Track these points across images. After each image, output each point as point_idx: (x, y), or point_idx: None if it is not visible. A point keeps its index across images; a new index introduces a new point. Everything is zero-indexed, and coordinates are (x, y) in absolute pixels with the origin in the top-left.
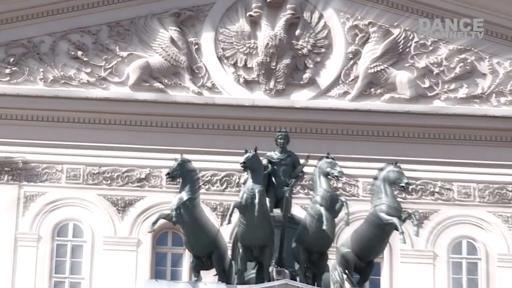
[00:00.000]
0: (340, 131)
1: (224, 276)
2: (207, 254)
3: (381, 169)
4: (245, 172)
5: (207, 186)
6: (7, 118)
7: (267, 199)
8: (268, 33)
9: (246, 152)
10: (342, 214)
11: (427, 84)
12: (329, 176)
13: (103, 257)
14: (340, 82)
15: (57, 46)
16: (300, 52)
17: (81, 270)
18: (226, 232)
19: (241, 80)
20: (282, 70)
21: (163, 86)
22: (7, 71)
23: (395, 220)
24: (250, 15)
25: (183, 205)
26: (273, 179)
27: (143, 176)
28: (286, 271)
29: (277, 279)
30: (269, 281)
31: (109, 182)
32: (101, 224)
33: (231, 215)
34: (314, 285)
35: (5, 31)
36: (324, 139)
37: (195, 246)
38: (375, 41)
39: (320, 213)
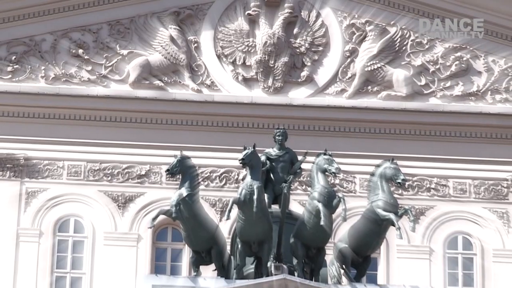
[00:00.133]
0: (338, 128)
1: (223, 271)
2: (207, 250)
3: (378, 166)
4: (244, 169)
5: (206, 182)
6: (9, 115)
7: (266, 195)
8: (266, 31)
9: (245, 149)
10: (339, 210)
11: (423, 81)
12: (326, 173)
13: (104, 252)
14: (338, 80)
15: (58, 44)
16: (298, 50)
17: (82, 265)
18: (225, 227)
19: (240, 78)
20: (280, 68)
21: (163, 84)
22: (9, 69)
23: (391, 215)
24: (249, 14)
25: (182, 201)
26: (272, 175)
27: (143, 172)
28: (284, 266)
29: (276, 274)
30: (268, 276)
31: (109, 178)
32: (102, 220)
33: (230, 211)
34: (312, 280)
35: (7, 29)
36: (321, 136)
37: (194, 242)
38: (372, 39)
39: (317, 209)
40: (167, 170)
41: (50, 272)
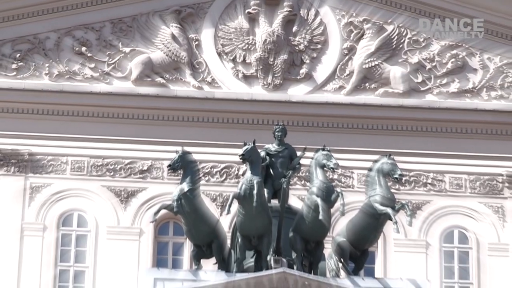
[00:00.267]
0: (336, 124)
1: (223, 264)
2: (207, 243)
3: (375, 161)
4: (244, 164)
5: (207, 178)
6: (14, 111)
7: (265, 190)
8: (266, 29)
9: (245, 144)
10: (337, 204)
11: (419, 79)
12: (325, 168)
13: (107, 246)
14: (336, 77)
15: (62, 42)
16: (297, 48)
17: (85, 258)
18: (226, 222)
19: (240, 75)
20: (279, 66)
21: (164, 81)
22: (14, 66)
23: (389, 210)
24: (249, 12)
25: (183, 196)
26: (271, 170)
27: (145, 168)
28: (284, 259)
29: (275, 268)
30: (267, 269)
31: (112, 173)
32: (105, 214)
33: (230, 206)
34: (310, 273)
35: (12, 27)
36: (320, 132)
37: (195, 236)
38: (370, 37)
39: (316, 203)
40: (169, 165)
41: (54, 265)
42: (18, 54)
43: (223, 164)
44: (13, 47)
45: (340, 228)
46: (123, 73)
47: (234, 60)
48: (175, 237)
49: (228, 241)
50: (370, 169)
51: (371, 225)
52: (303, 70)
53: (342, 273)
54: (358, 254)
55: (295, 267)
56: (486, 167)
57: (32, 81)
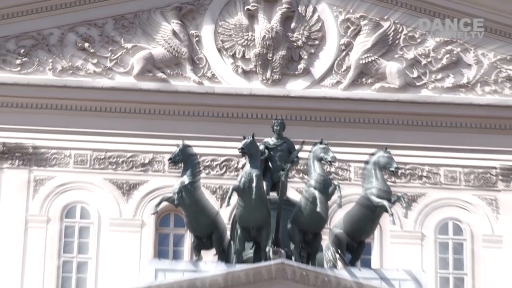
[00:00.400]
0: (333, 118)
1: (223, 255)
2: (207, 235)
3: (372, 154)
4: (243, 157)
5: (207, 171)
6: (18, 106)
7: (264, 183)
8: (265, 26)
9: (244, 138)
10: (335, 197)
11: (415, 74)
12: (322, 161)
13: (109, 238)
14: (333, 72)
15: (65, 38)
16: (295, 44)
17: (88, 250)
18: (225, 214)
19: (239, 70)
20: (278, 61)
21: (165, 76)
22: (18, 61)
23: (385, 202)
24: (248, 9)
25: (184, 188)
26: (270, 164)
27: (146, 161)
28: (282, 251)
29: (274, 259)
30: (266, 260)
31: (114, 166)
32: (107, 207)
33: (230, 198)
34: (308, 264)
35: (16, 23)
36: (318, 126)
37: (196, 227)
38: (366, 33)
39: (314, 196)
40: (170, 158)
41: (57, 257)
42: (22, 50)
43: (223, 158)
44: (18, 43)
45: (337, 220)
46: (125, 69)
47: (233, 56)
48: (176, 228)
49: (228, 233)
50: (366, 162)
51: (367, 217)
52: (301, 66)
53: (339, 264)
54: (355, 246)
55: (293, 258)
56: (480, 161)
57: (36, 76)
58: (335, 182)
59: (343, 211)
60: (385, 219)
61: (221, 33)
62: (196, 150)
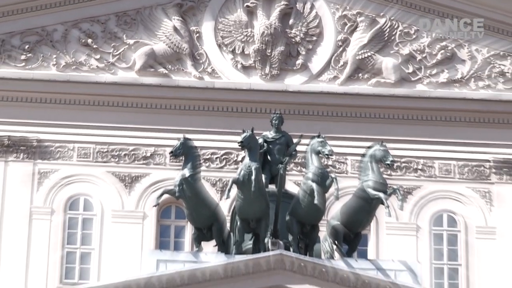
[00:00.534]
0: (330, 112)
1: (223, 246)
2: (208, 226)
3: (368, 148)
4: (243, 151)
5: (207, 164)
6: (23, 100)
7: (263, 176)
8: (263, 22)
9: (244, 132)
10: (332, 189)
11: (410, 69)
12: (320, 154)
13: (112, 229)
14: (330, 67)
15: (69, 34)
16: (293, 40)
17: (91, 241)
18: (225, 206)
19: (239, 65)
20: (276, 57)
21: (167, 71)
22: (23, 57)
23: (381, 195)
24: (247, 6)
25: (185, 181)
26: (269, 157)
27: (148, 154)
28: (281, 242)
29: (272, 250)
30: (265, 251)
31: (117, 159)
32: (110, 199)
33: (229, 190)
34: (306, 255)
35: (21, 20)
36: (315, 120)
37: (196, 219)
38: (363, 29)
39: (312, 188)
40: (171, 152)
41: (61, 247)
42: (27, 46)
43: (223, 151)
44: (22, 39)
45: (334, 212)
46: (127, 64)
47: (233, 52)
48: (177, 220)
49: (228, 225)
50: (363, 156)
51: (364, 209)
52: (299, 61)
53: (337, 254)
54: (351, 237)
55: (291, 249)
56: (474, 154)
57: (40, 71)
58: (332, 175)
59: (340, 203)
60: (381, 211)
61: (221, 29)
62: (196, 143)
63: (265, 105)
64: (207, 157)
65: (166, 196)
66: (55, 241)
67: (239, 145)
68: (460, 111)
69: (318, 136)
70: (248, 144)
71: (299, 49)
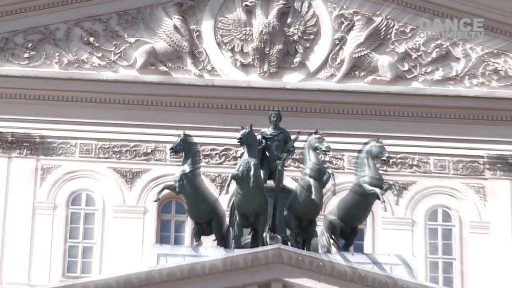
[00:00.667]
0: (328, 109)
1: (222, 241)
2: (207, 221)
3: (364, 144)
4: (242, 147)
5: (207, 160)
6: (26, 97)
7: (261, 172)
8: (262, 21)
9: (242, 128)
10: (329, 185)
11: (406, 67)
12: (317, 151)
13: (113, 224)
14: (328, 65)
15: (71, 32)
16: (291, 38)
17: (93, 235)
18: (224, 201)
19: (238, 63)
20: (275, 55)
21: (167, 69)
22: (26, 55)
23: (377, 190)
24: (246, 5)
25: (185, 177)
26: (267, 153)
27: (149, 150)
28: (279, 236)
29: (271, 244)
30: (263, 245)
31: (118, 156)
32: (111, 194)
33: (228, 186)
34: (303, 249)
35: (24, 18)
36: (313, 117)
37: (196, 214)
38: (359, 28)
39: (309, 183)
40: (171, 148)
41: (63, 242)
42: (30, 44)
43: (222, 147)
44: (25, 37)
45: (331, 207)
46: (129, 62)
47: (232, 50)
48: (177, 215)
49: (227, 219)
50: (359, 152)
51: (360, 204)
52: (297, 59)
53: (333, 249)
54: (348, 231)
55: (289, 243)
56: (468, 150)
57: (43, 69)
58: (330, 171)
59: (337, 198)
60: (377, 206)
61: (221, 28)
62: (196, 140)
63: (264, 102)
64: (207, 153)
65: (166, 191)
66: (57, 235)
67: (238, 142)
68: (454, 108)
69: (316, 133)
70: (247, 141)
71: (296, 47)
